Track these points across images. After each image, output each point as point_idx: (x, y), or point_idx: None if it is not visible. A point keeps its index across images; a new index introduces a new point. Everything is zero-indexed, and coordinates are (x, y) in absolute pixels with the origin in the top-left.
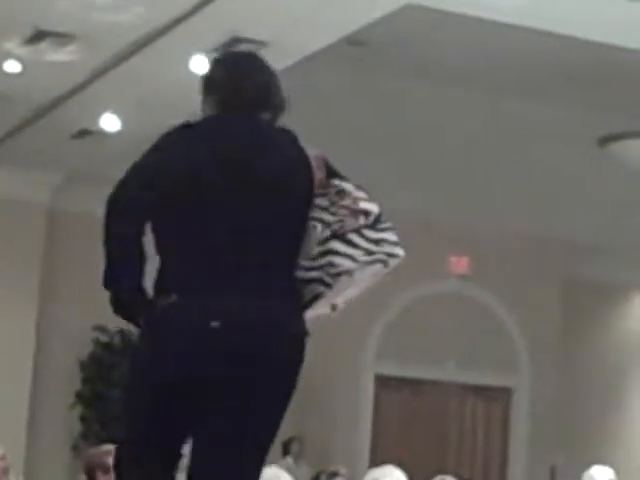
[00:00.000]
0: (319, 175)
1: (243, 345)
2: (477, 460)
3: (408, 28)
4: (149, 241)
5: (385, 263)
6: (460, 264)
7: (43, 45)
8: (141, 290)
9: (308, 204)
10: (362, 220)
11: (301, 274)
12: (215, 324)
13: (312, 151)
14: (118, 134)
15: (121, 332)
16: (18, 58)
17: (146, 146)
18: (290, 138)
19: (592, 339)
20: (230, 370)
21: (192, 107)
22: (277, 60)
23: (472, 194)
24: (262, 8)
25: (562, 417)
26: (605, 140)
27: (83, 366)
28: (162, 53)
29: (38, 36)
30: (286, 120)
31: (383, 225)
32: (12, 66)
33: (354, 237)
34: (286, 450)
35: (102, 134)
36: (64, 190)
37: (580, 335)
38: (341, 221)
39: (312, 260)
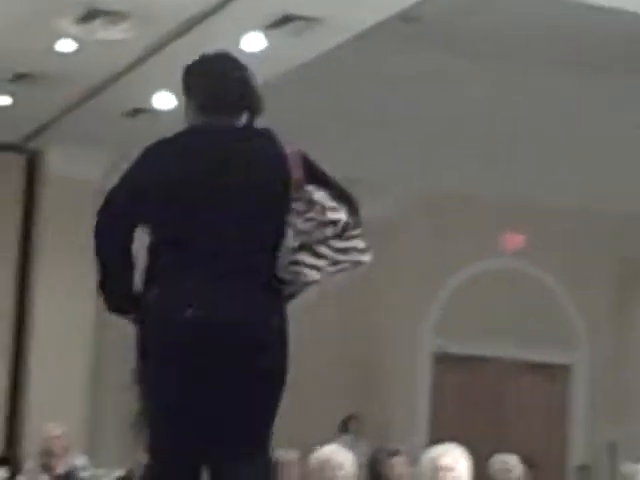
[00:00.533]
0: (296, 175)
1: (214, 332)
2: (536, 438)
3: (460, 3)
4: (138, 244)
5: (350, 270)
6: (515, 241)
7: (96, 24)
8: (131, 294)
9: (284, 203)
10: (330, 231)
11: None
12: (189, 312)
13: (291, 148)
14: (171, 112)
15: None
16: (72, 37)
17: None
18: (268, 138)
19: None
20: (207, 357)
21: None
22: (329, 37)
23: (526, 170)
24: None
25: (621, 393)
26: None
27: None
28: (214, 31)
29: (91, 15)
30: (340, 97)
31: (352, 233)
32: (66, 45)
33: (321, 248)
34: (345, 428)
35: (155, 112)
36: (119, 168)
37: (637, 309)
38: (310, 232)
39: (284, 267)
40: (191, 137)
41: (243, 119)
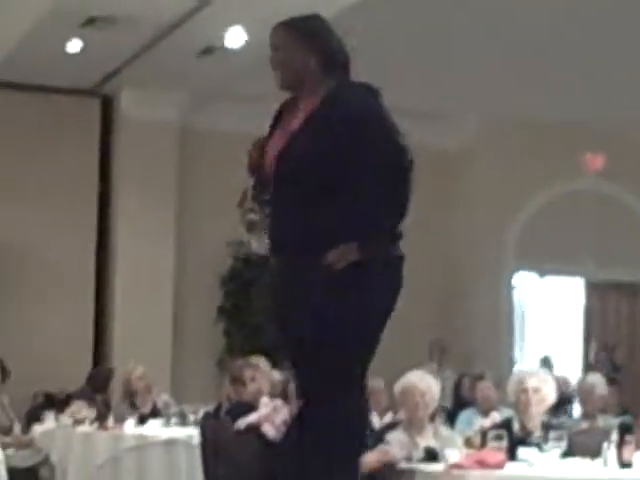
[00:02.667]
0: None
1: None
2: (622, 357)
3: None
4: None
5: None
6: (596, 161)
7: None
8: None
9: None
10: None
11: None
12: None
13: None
14: (243, 50)
15: None
16: None
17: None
18: None
19: None
20: None
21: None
22: None
23: (604, 91)
24: None
25: None
26: None
27: (223, 281)
28: None
29: None
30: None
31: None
32: None
33: None
34: (430, 355)
35: (227, 50)
36: (193, 108)
37: None
38: None
39: None
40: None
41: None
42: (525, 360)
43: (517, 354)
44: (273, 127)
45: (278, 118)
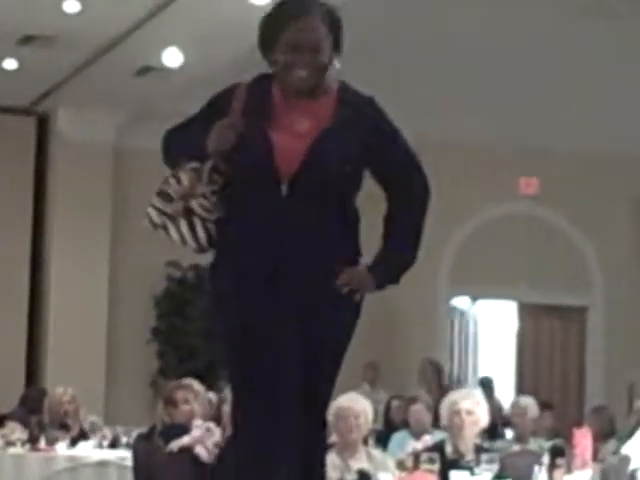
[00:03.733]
0: None
1: None
2: (554, 380)
3: None
4: None
5: None
6: (530, 185)
7: None
8: None
9: None
10: None
11: None
12: None
13: None
14: (180, 69)
15: (194, 267)
16: None
17: (208, 81)
18: None
19: None
20: None
21: (252, 39)
22: None
23: (540, 114)
24: None
25: (638, 334)
26: None
27: (158, 302)
28: None
29: None
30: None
31: None
32: (72, 5)
33: None
34: (364, 377)
35: (164, 70)
36: (129, 128)
37: None
38: None
39: None
40: None
41: None
42: (462, 382)
43: (453, 376)
44: (217, 116)
45: (223, 108)
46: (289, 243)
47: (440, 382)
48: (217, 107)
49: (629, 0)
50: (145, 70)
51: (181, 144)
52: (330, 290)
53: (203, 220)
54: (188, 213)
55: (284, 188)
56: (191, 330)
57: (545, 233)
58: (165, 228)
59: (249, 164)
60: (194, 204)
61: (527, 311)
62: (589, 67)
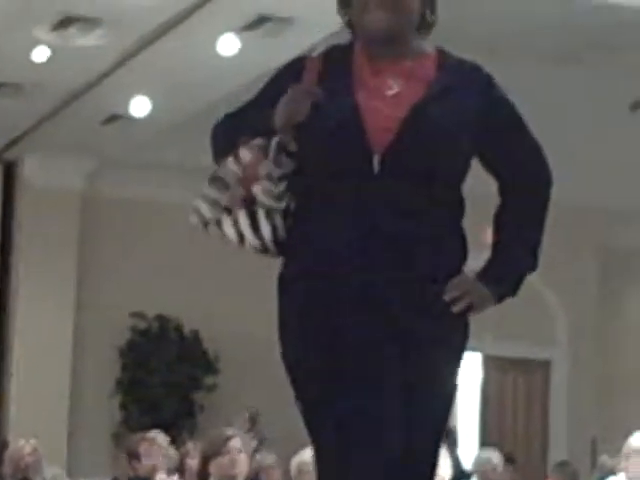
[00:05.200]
0: None
1: None
2: (518, 433)
3: None
4: None
5: None
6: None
7: (71, 30)
8: None
9: None
10: None
11: None
12: None
13: None
14: (148, 118)
15: (159, 318)
16: (47, 44)
17: (176, 130)
18: None
19: (630, 308)
20: None
21: (220, 88)
22: (303, 37)
23: None
24: None
25: (602, 389)
26: (637, 105)
27: (122, 353)
28: (189, 35)
29: (66, 22)
30: None
31: None
32: (41, 53)
33: None
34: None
35: (132, 119)
36: (97, 176)
37: (618, 304)
38: None
39: None
40: None
41: None
42: None
43: None
44: (289, 81)
45: (297, 75)
46: (382, 246)
47: None
48: (280, 85)
49: (593, 48)
50: (113, 118)
51: (238, 126)
52: (438, 312)
53: (268, 210)
54: (249, 201)
55: (376, 164)
56: (155, 382)
57: None
58: (218, 223)
59: (329, 136)
60: (257, 189)
61: (492, 363)
62: (552, 118)
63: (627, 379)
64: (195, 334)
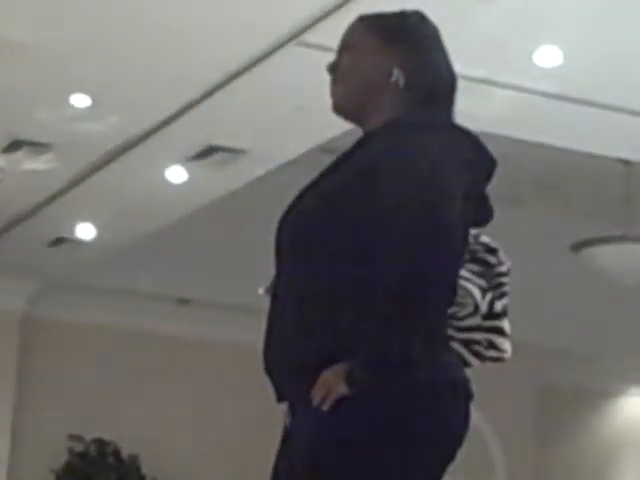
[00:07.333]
0: None
1: None
2: None
3: None
4: None
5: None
6: None
7: (19, 154)
8: None
9: None
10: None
11: None
12: None
13: None
14: (93, 242)
15: (97, 441)
16: None
17: (121, 254)
18: None
19: (569, 447)
20: None
21: (168, 216)
22: (254, 167)
23: None
24: (237, 117)
25: None
26: (579, 246)
27: (58, 476)
28: (138, 162)
29: (15, 145)
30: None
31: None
32: None
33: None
34: None
35: (78, 242)
36: (39, 298)
37: (556, 443)
38: None
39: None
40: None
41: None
42: None
43: None
44: None
45: None
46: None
47: None
48: None
49: (536, 189)
50: (58, 241)
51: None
52: None
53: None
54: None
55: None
56: None
57: None
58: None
59: None
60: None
61: None
62: None
63: None
64: (134, 458)
